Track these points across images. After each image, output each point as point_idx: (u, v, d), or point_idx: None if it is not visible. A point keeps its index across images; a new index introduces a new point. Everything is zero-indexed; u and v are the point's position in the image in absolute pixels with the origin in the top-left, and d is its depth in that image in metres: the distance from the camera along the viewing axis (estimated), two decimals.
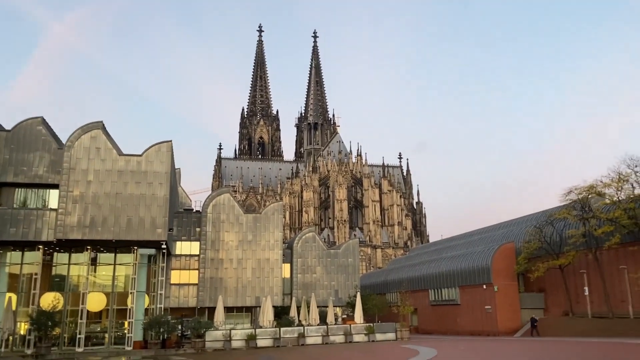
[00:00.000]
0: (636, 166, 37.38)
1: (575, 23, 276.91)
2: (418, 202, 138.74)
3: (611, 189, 38.70)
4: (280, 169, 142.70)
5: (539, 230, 45.97)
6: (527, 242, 47.08)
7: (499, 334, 46.38)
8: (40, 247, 37.84)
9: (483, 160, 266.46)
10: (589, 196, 40.94)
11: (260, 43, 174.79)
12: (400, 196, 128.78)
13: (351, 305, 49.25)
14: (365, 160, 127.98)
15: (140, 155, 39.39)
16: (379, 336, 42.82)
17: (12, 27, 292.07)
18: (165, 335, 38.60)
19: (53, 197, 38.39)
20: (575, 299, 44.43)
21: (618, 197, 38.80)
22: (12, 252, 38.92)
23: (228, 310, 44.44)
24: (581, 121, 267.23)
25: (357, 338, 42.30)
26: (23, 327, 37.78)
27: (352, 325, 43.56)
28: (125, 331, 39.01)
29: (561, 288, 45.42)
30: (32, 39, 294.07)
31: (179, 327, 41.57)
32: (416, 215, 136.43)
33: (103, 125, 39.70)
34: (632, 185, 37.90)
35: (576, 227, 42.97)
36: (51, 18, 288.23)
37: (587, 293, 42.11)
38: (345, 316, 53.69)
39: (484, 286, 48.88)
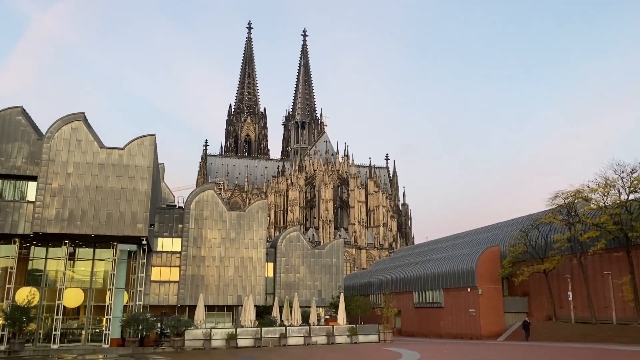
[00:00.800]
0: (622, 172, 37.37)
1: (566, 24, 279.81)
2: (404, 204, 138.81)
3: (597, 194, 38.66)
4: (266, 167, 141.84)
5: (525, 234, 45.88)
6: (513, 246, 46.98)
7: (482, 338, 46.20)
8: (17, 240, 36.79)
9: (469, 164, 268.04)
10: (576, 201, 40.89)
11: (249, 40, 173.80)
12: (386, 197, 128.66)
13: (334, 306, 48.76)
14: (352, 160, 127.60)
15: (122, 149, 38.49)
16: (361, 338, 42.37)
17: None
18: (144, 333, 37.73)
19: (31, 190, 37.33)
20: (559, 303, 44.40)
21: (604, 203, 38.77)
22: None
23: (209, 308, 43.66)
24: (567, 126, 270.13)
25: (339, 339, 41.80)
26: None
27: (334, 326, 43.05)
28: (103, 328, 38.07)
29: (545, 292, 45.37)
30: (17, 30, 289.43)
31: (158, 325, 40.69)
32: (402, 217, 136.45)
33: (85, 116, 38.73)
34: (619, 190, 37.89)
35: (562, 231, 42.93)
36: (37, 9, 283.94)
37: (570, 298, 42.06)
38: (328, 317, 53.16)
39: (469, 289, 48.68)
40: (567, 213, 41.66)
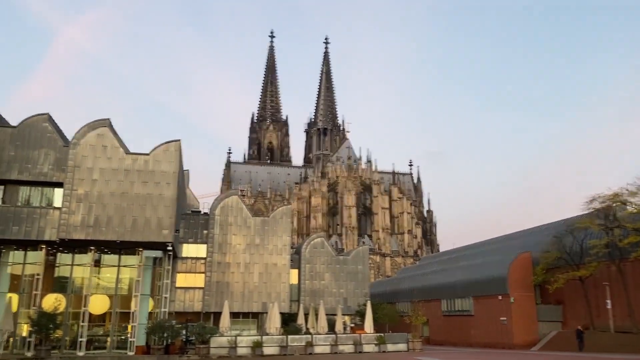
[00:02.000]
0: None
1: (591, 22, 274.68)
2: (429, 211, 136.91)
3: (637, 198, 36.95)
4: (288, 174, 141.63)
5: (559, 240, 44.22)
6: (546, 252, 45.30)
7: (515, 347, 44.60)
8: (43, 246, 36.78)
9: (494, 171, 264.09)
10: (614, 204, 39.21)
11: (271, 48, 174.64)
12: (411, 204, 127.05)
13: (360, 314, 47.70)
14: (375, 166, 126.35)
15: (147, 154, 38.30)
16: (390, 347, 41.24)
17: (24, 29, 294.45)
18: (169, 341, 37.27)
19: (57, 196, 37.35)
20: (596, 312, 42.57)
21: None
22: (15, 252, 37.90)
23: (234, 315, 43.07)
24: (597, 130, 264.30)
25: (367, 348, 40.75)
26: (24, 329, 36.64)
27: (362, 334, 42.01)
28: (128, 335, 37.71)
29: (581, 301, 43.58)
30: (44, 42, 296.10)
31: (184, 332, 40.22)
32: (426, 223, 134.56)
33: (110, 122, 38.67)
34: None
35: (599, 237, 41.19)
36: (62, 21, 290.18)
37: (609, 306, 40.25)
38: (353, 325, 52.10)
39: (500, 297, 47.15)
40: (604, 217, 39.99)
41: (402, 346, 41.71)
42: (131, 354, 36.63)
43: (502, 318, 46.82)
